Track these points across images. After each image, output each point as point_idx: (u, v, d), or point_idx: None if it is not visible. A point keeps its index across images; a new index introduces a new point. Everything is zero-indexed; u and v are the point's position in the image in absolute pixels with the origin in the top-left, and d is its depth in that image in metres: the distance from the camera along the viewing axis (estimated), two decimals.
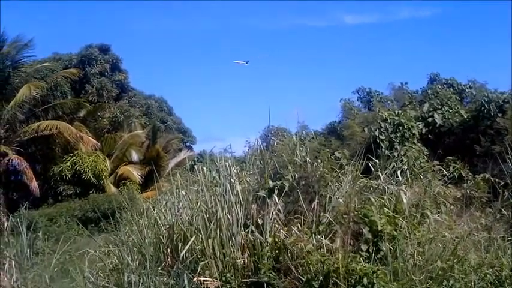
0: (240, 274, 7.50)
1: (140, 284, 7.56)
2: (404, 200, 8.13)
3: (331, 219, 7.75)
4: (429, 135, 28.04)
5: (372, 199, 8.08)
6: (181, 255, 7.61)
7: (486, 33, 72.82)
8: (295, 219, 7.93)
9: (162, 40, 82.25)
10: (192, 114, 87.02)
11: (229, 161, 8.86)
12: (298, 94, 64.03)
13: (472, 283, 6.91)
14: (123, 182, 31.35)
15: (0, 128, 28.39)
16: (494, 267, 7.29)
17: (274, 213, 7.90)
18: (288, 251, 7.32)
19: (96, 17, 74.28)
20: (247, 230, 7.77)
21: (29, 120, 29.32)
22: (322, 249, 7.22)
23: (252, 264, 7.53)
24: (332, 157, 10.36)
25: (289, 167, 8.45)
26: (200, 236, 7.82)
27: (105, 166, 30.78)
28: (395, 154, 12.33)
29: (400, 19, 78.28)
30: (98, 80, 40.81)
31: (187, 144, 50.82)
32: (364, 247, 7.26)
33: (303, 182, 8.27)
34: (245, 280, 7.37)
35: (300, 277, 7.00)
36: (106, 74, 41.69)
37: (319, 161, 8.87)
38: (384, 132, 24.59)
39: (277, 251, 7.45)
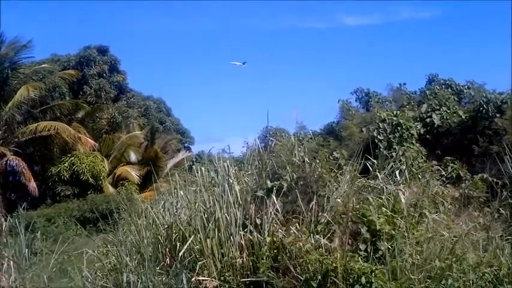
0: (238, 274, 7.51)
1: (139, 284, 7.56)
2: (403, 200, 8.15)
3: (329, 219, 7.77)
4: (427, 136, 28.06)
5: (370, 199, 8.09)
6: (180, 255, 7.62)
7: (486, 34, 72.95)
8: (294, 219, 7.94)
9: (162, 40, 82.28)
10: (190, 115, 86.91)
11: (228, 162, 8.88)
12: (297, 94, 64.17)
13: (471, 282, 6.92)
14: (121, 182, 31.37)
15: None
16: (492, 266, 7.30)
17: (272, 213, 7.92)
18: (286, 251, 7.32)
19: (95, 17, 74.29)
20: (245, 229, 7.78)
21: (27, 121, 29.30)
22: (320, 249, 7.23)
23: (251, 263, 7.54)
24: (330, 157, 10.37)
25: (288, 167, 8.46)
26: (198, 236, 7.83)
27: (104, 167, 30.78)
28: (394, 154, 12.38)
29: (400, 20, 78.36)
30: (96, 81, 40.74)
31: (186, 144, 50.85)
32: (362, 246, 7.28)
33: (301, 182, 8.28)
34: (244, 280, 7.38)
35: (299, 276, 7.00)
36: (104, 75, 41.62)
37: (317, 161, 8.88)
38: (382, 133, 24.61)
39: (275, 251, 7.46)
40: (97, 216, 17.67)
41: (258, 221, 7.86)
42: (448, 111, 28.85)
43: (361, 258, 7.04)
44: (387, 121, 25.01)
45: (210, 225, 7.85)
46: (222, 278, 7.38)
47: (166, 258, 8.17)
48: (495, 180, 9.96)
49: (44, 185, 29.21)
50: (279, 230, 7.80)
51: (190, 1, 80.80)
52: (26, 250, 9.71)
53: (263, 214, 7.84)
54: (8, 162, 27.05)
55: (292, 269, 7.11)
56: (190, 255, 7.68)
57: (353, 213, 7.63)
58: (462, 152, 24.26)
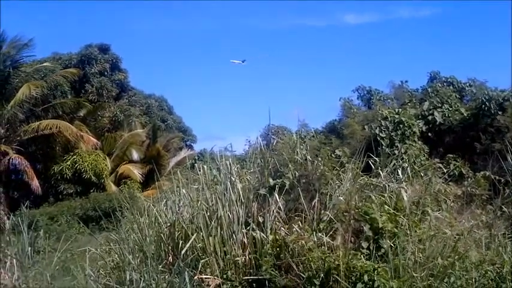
0: (241, 272, 7.51)
1: (141, 282, 7.56)
2: (405, 198, 8.14)
3: (331, 217, 7.76)
4: (429, 134, 28.05)
5: (373, 197, 8.10)
6: (182, 253, 7.61)
7: (486, 33, 72.75)
8: (296, 217, 7.94)
9: (162, 40, 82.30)
10: (192, 114, 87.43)
11: (230, 160, 8.87)
12: (298, 94, 64.04)
13: (473, 280, 6.92)
14: (123, 180, 31.43)
15: (1, 128, 28.40)
16: (495, 264, 7.30)
17: (275, 211, 7.92)
18: (289, 249, 7.32)
19: (96, 17, 74.30)
20: (248, 228, 7.78)
21: (29, 119, 29.38)
22: (323, 247, 7.23)
23: (253, 261, 7.54)
24: (332, 155, 10.38)
25: (290, 165, 8.45)
26: (201, 234, 7.83)
27: (106, 165, 30.84)
28: (396, 152, 12.37)
29: (400, 18, 78.21)
30: (98, 79, 40.79)
31: (188, 143, 50.87)
32: (365, 244, 7.28)
33: (304, 180, 8.28)
34: (246, 278, 7.38)
35: (301, 274, 7.01)
36: (106, 73, 41.67)
37: (319, 159, 8.88)
38: (384, 130, 24.62)
39: (278, 249, 7.46)
40: (99, 214, 17.77)
41: (261, 219, 7.86)
42: (450, 109, 28.82)
43: (364, 256, 7.04)
44: (389, 119, 25.01)
45: (212, 223, 7.85)
46: (224, 276, 7.39)
47: (168, 256, 8.18)
48: (497, 177, 9.94)
49: (47, 184, 29.30)
50: (282, 228, 7.80)
51: (190, 1, 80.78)
52: (29, 248, 9.71)
53: (265, 212, 7.84)
54: (11, 160, 27.13)
55: (294, 267, 7.11)
56: (192, 254, 7.68)
57: (355, 211, 7.62)
58: (464, 149, 24.26)
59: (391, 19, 77.98)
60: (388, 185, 8.59)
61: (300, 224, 7.75)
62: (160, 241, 8.49)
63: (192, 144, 51.48)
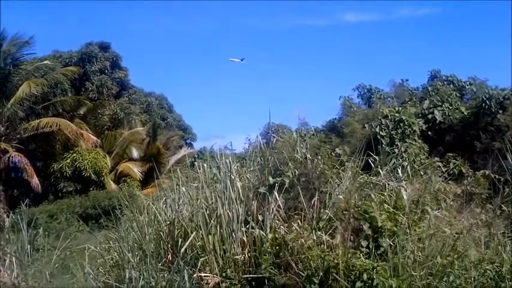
0: (240, 270, 7.51)
1: (141, 280, 7.57)
2: (405, 196, 8.13)
3: (331, 216, 7.76)
4: (429, 132, 28.06)
5: (372, 195, 8.10)
6: (182, 251, 7.62)
7: (486, 33, 72.67)
8: (296, 216, 7.94)
9: (162, 40, 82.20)
10: (192, 113, 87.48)
11: (230, 158, 8.86)
12: (298, 94, 63.90)
13: (472, 279, 6.91)
14: (123, 178, 31.44)
15: (1, 126, 28.39)
16: (494, 263, 7.29)
17: (274, 209, 7.91)
18: (288, 247, 7.32)
19: (96, 17, 74.13)
20: (247, 226, 7.78)
21: (29, 117, 29.36)
22: (322, 245, 7.22)
23: (253, 260, 7.55)
24: (332, 154, 10.38)
25: (290, 164, 8.45)
26: (200, 232, 7.83)
27: (106, 163, 30.83)
28: (396, 150, 12.37)
29: (400, 18, 78.10)
30: (98, 77, 40.73)
31: (188, 141, 50.84)
32: (364, 243, 7.28)
33: (303, 179, 8.27)
34: (245, 276, 7.38)
35: (300, 273, 7.01)
36: (106, 71, 41.59)
37: (319, 157, 8.87)
38: (384, 129, 24.63)
39: (277, 247, 7.46)
40: (99, 212, 17.80)
41: (260, 218, 7.85)
42: (450, 108, 28.83)
43: (363, 255, 7.04)
44: (389, 117, 25.01)
45: (212, 221, 7.85)
46: (223, 275, 7.38)
47: (168, 254, 8.18)
48: (497, 176, 9.92)
49: (46, 181, 29.29)
50: (281, 227, 7.80)
51: (190, 1, 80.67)
52: (28, 246, 9.72)
53: (265, 210, 7.84)
54: (11, 158, 27.12)
55: (294, 265, 7.11)
56: (192, 252, 7.68)
57: (355, 209, 7.62)
58: (464, 148, 24.29)
59: (391, 18, 77.97)
60: (388, 184, 8.58)
61: (300, 223, 7.74)
62: (160, 239, 8.49)
63: (192, 142, 51.49)
